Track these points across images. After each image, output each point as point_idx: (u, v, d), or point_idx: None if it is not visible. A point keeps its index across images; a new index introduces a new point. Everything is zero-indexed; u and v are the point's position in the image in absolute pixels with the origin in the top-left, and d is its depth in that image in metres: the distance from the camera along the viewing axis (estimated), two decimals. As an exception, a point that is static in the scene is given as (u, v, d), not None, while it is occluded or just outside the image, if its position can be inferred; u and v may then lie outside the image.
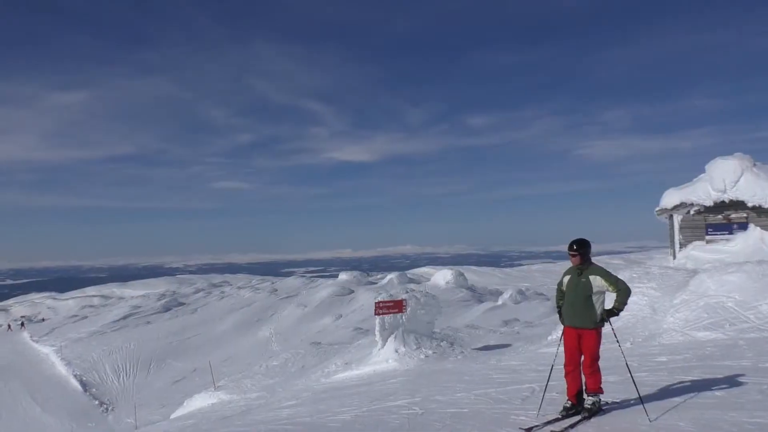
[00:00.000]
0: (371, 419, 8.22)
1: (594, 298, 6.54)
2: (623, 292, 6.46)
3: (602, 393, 6.54)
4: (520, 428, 6.53)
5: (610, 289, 6.49)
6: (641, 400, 6.44)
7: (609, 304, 6.69)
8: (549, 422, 6.51)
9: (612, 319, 6.74)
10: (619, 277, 6.74)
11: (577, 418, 6.40)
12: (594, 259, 6.89)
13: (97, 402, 34.10)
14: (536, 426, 6.43)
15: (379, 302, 18.91)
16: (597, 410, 6.46)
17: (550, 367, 7.43)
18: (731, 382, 7.56)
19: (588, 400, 6.52)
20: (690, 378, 8.11)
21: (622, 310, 6.53)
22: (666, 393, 7.31)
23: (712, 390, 7.21)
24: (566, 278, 6.84)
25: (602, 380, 6.56)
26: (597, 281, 6.53)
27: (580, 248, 6.65)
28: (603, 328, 6.60)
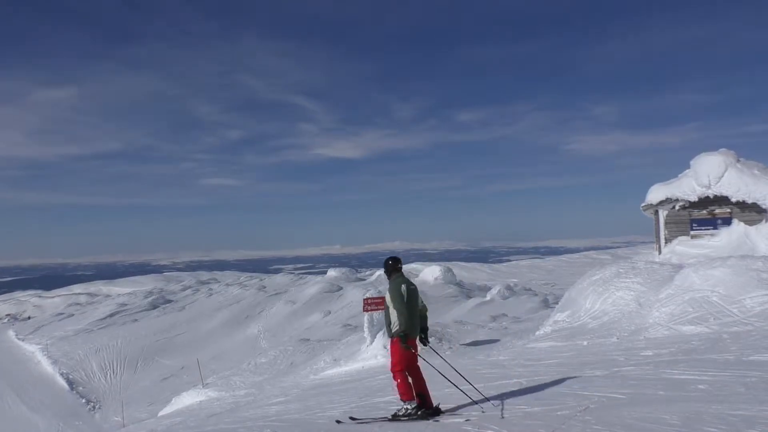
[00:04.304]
0: (360, 415, 8.23)
1: (389, 310, 7.04)
2: (398, 314, 6.88)
3: (404, 400, 6.94)
4: (350, 417, 7.66)
5: (391, 306, 7.00)
6: (475, 402, 7.14)
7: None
8: (381, 419, 7.28)
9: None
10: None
11: (385, 417, 7.21)
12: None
13: (84, 400, 33.84)
14: (363, 419, 7.41)
15: (367, 299, 18.94)
16: (401, 417, 6.96)
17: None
18: (715, 375, 7.64)
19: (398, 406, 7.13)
20: (675, 371, 8.19)
21: (399, 331, 6.85)
22: (651, 386, 7.38)
23: (696, 383, 7.29)
24: None
25: (406, 389, 6.96)
26: (387, 296, 7.13)
27: (384, 266, 7.43)
28: (395, 340, 6.95)
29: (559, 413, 6.41)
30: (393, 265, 7.27)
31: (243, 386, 20.56)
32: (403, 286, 7.00)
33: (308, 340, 30.44)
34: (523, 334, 19.23)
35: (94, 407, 32.96)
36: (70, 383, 36.14)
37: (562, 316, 16.31)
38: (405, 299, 6.90)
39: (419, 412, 6.90)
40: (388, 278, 7.29)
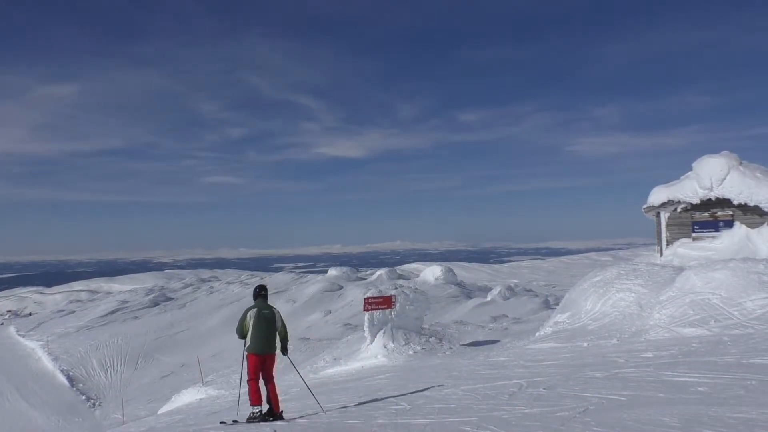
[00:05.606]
0: (359, 414, 8.23)
1: None
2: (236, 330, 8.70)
3: (251, 405, 8.34)
4: (233, 420, 8.64)
5: None
6: (314, 396, 9.25)
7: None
8: (247, 422, 8.29)
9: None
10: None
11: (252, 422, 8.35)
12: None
13: (84, 397, 33.90)
14: (239, 422, 8.37)
15: (368, 298, 18.93)
16: (250, 419, 8.27)
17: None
18: (715, 377, 7.64)
19: None
20: (675, 374, 8.19)
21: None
22: (651, 388, 7.38)
23: (696, 386, 7.29)
24: None
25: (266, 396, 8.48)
26: None
27: (253, 291, 8.95)
28: (247, 355, 8.60)
29: (558, 414, 6.41)
30: (258, 292, 8.82)
31: (243, 384, 20.55)
32: (253, 310, 8.48)
33: (308, 339, 30.44)
34: (523, 335, 19.23)
35: (94, 404, 33.02)
36: (71, 380, 36.21)
37: (563, 318, 16.30)
38: (247, 322, 8.41)
39: (263, 416, 8.28)
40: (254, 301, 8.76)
